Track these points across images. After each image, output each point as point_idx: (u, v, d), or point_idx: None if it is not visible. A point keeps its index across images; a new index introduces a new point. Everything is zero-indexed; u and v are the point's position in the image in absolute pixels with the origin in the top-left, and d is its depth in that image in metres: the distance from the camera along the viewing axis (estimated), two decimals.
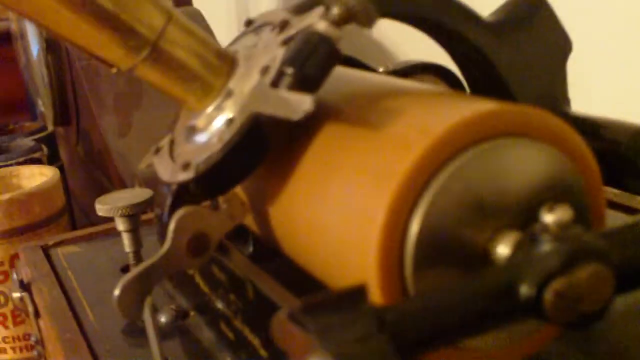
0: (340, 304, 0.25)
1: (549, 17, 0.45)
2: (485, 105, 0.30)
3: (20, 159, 1.02)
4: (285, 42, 0.36)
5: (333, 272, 0.33)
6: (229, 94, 0.37)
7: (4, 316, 0.87)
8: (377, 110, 0.34)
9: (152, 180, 0.43)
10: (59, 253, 0.58)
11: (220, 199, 0.39)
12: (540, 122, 0.30)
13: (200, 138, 0.37)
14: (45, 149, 1.08)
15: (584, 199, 0.31)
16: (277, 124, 0.34)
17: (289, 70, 0.33)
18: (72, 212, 1.13)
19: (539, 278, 0.26)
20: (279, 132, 0.36)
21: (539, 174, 0.30)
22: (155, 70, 0.36)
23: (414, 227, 0.29)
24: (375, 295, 0.29)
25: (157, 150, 0.40)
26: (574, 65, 0.44)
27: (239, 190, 0.39)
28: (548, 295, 0.26)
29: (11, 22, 1.32)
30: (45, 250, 0.59)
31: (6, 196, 0.81)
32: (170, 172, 0.37)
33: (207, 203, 0.38)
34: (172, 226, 0.37)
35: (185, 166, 0.36)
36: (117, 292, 0.37)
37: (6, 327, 0.88)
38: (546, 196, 0.30)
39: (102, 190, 1.07)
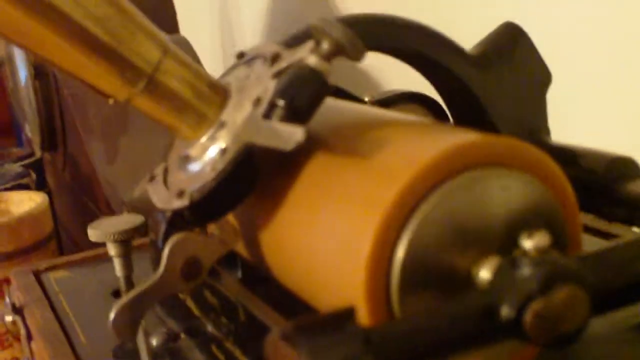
0: (329, 325, 0.27)
1: (529, 49, 0.47)
2: (468, 136, 0.32)
3: (8, 185, 1.03)
4: (277, 75, 0.37)
5: (322, 297, 0.35)
6: (222, 125, 0.38)
7: None
8: (364, 141, 0.35)
9: (141, 207, 0.44)
10: (51, 277, 0.59)
11: (213, 226, 0.40)
12: (521, 153, 0.32)
13: (194, 167, 0.39)
14: (33, 174, 1.09)
15: (561, 225, 0.33)
16: (267, 154, 0.35)
17: (281, 103, 0.35)
18: (59, 237, 1.13)
19: (518, 300, 0.28)
20: (270, 161, 0.37)
21: (519, 202, 0.31)
22: (151, 101, 0.38)
23: (400, 254, 0.30)
24: (363, 319, 0.30)
25: (152, 178, 0.41)
26: (553, 96, 0.46)
27: (230, 216, 0.41)
28: (528, 316, 0.28)
29: None
30: (37, 274, 0.59)
31: None
32: (165, 200, 0.39)
33: (199, 230, 0.39)
34: (166, 252, 0.38)
35: (180, 194, 0.38)
36: (112, 315, 0.38)
37: None
38: (526, 223, 0.31)
39: (89, 215, 1.08)
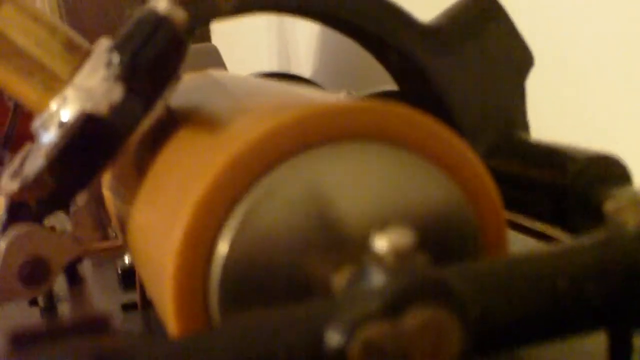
0: (62, 336, 0.19)
1: (505, 25, 0.38)
2: (324, 104, 0.23)
3: None
4: None
5: (155, 298, 0.27)
6: (73, 90, 0.31)
7: None
8: (221, 113, 0.27)
9: None
10: None
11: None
12: (401, 125, 0.23)
13: (44, 140, 0.31)
14: None
15: (463, 226, 0.24)
16: (121, 124, 0.28)
17: (116, 59, 0.27)
18: None
19: (349, 322, 0.19)
20: (125, 134, 0.30)
21: (390, 188, 0.23)
22: None
23: (222, 248, 0.22)
24: (173, 326, 0.22)
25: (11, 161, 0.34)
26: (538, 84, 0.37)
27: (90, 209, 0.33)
28: (355, 345, 0.19)
29: None
30: None
31: None
32: (4, 183, 0.31)
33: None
34: (2, 247, 0.31)
35: (14, 175, 0.30)
36: None
37: None
38: (398, 216, 0.23)
39: (104, 229, 1.02)
